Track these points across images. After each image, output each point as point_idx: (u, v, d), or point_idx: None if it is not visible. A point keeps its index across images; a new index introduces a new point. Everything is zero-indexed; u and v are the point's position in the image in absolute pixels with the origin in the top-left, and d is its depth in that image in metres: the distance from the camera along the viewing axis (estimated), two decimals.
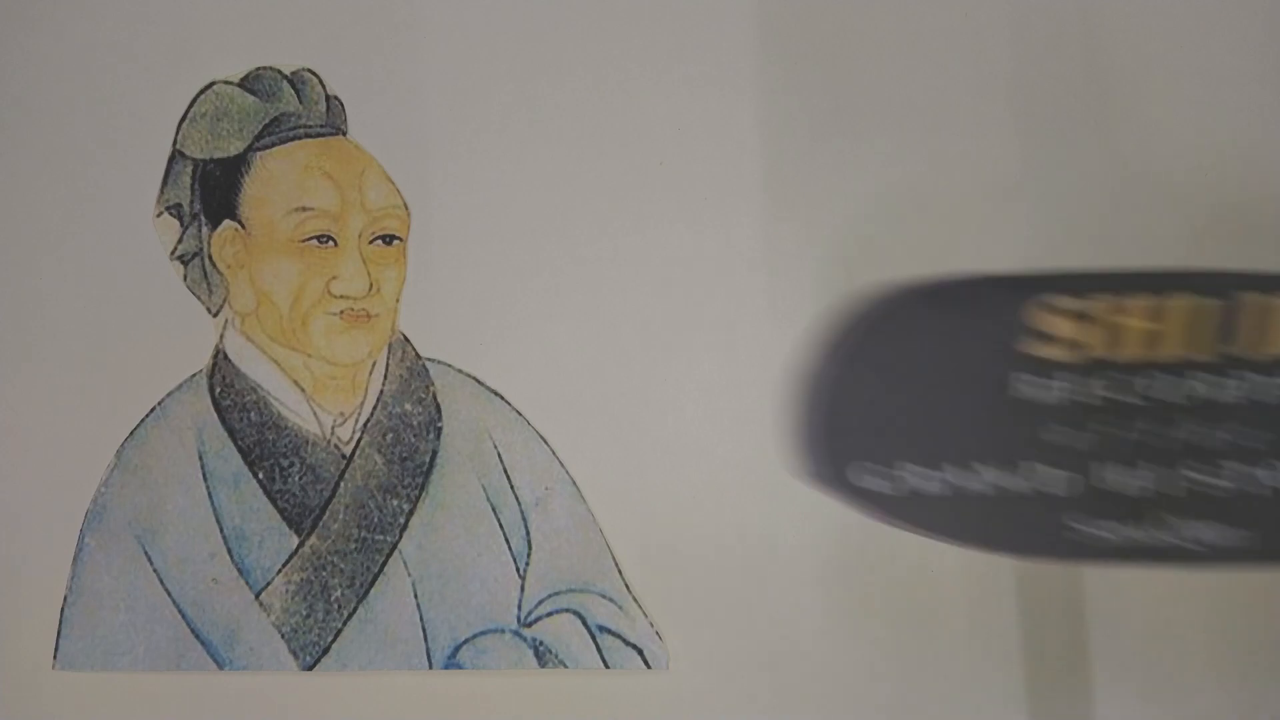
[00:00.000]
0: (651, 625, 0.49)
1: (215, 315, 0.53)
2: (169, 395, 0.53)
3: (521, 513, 0.50)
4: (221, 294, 0.53)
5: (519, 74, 0.50)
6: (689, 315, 0.48)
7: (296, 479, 0.52)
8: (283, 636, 0.51)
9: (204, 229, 0.53)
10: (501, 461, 0.50)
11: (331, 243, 0.51)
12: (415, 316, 0.51)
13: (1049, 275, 0.36)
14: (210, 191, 0.53)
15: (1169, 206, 0.45)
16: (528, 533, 0.50)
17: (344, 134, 0.52)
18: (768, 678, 0.48)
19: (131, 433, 0.53)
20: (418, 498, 0.51)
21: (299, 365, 0.52)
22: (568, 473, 0.50)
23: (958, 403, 0.36)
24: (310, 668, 0.51)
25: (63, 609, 0.53)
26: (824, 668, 0.47)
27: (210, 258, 0.53)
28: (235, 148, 0.53)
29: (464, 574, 0.50)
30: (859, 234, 0.47)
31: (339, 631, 0.51)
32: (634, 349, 0.49)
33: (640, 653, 0.49)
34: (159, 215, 0.54)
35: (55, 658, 0.53)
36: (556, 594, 0.49)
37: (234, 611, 0.52)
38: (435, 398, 0.51)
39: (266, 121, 0.52)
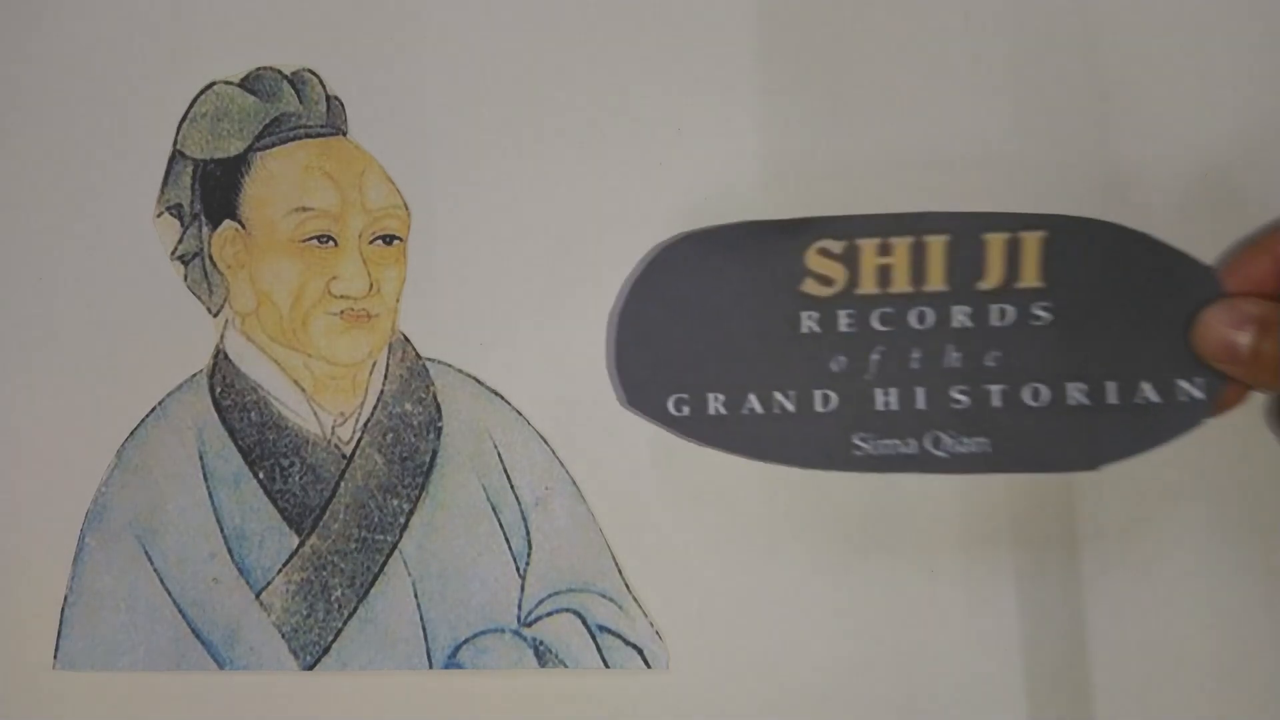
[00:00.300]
0: (651, 625, 0.49)
1: (215, 315, 0.53)
2: (169, 395, 0.53)
3: (521, 513, 0.50)
4: (222, 294, 0.53)
5: (519, 74, 0.50)
6: None
7: (297, 479, 0.52)
8: (283, 636, 0.51)
9: (204, 229, 0.53)
10: (501, 461, 0.50)
11: (332, 243, 0.51)
12: (415, 316, 0.51)
13: (818, 220, 0.40)
14: (210, 191, 0.53)
15: (1169, 206, 0.45)
16: (528, 533, 0.50)
17: (344, 134, 0.52)
18: (768, 678, 0.48)
19: (132, 433, 0.53)
20: (418, 498, 0.51)
21: (299, 365, 0.52)
22: (568, 473, 0.50)
23: (755, 339, 0.41)
24: (310, 668, 0.51)
25: (63, 609, 0.53)
26: (824, 668, 0.47)
27: (210, 258, 0.53)
28: (235, 148, 0.53)
29: (464, 574, 0.50)
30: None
31: (339, 631, 0.51)
32: None
33: (640, 653, 0.49)
34: (159, 215, 0.54)
35: (55, 658, 0.53)
36: (556, 594, 0.49)
37: (234, 611, 0.52)
38: (435, 398, 0.51)
39: (267, 122, 0.52)
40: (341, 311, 0.52)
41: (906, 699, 0.47)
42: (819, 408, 0.40)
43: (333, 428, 0.52)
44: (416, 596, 0.50)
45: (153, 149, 0.54)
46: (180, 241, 0.53)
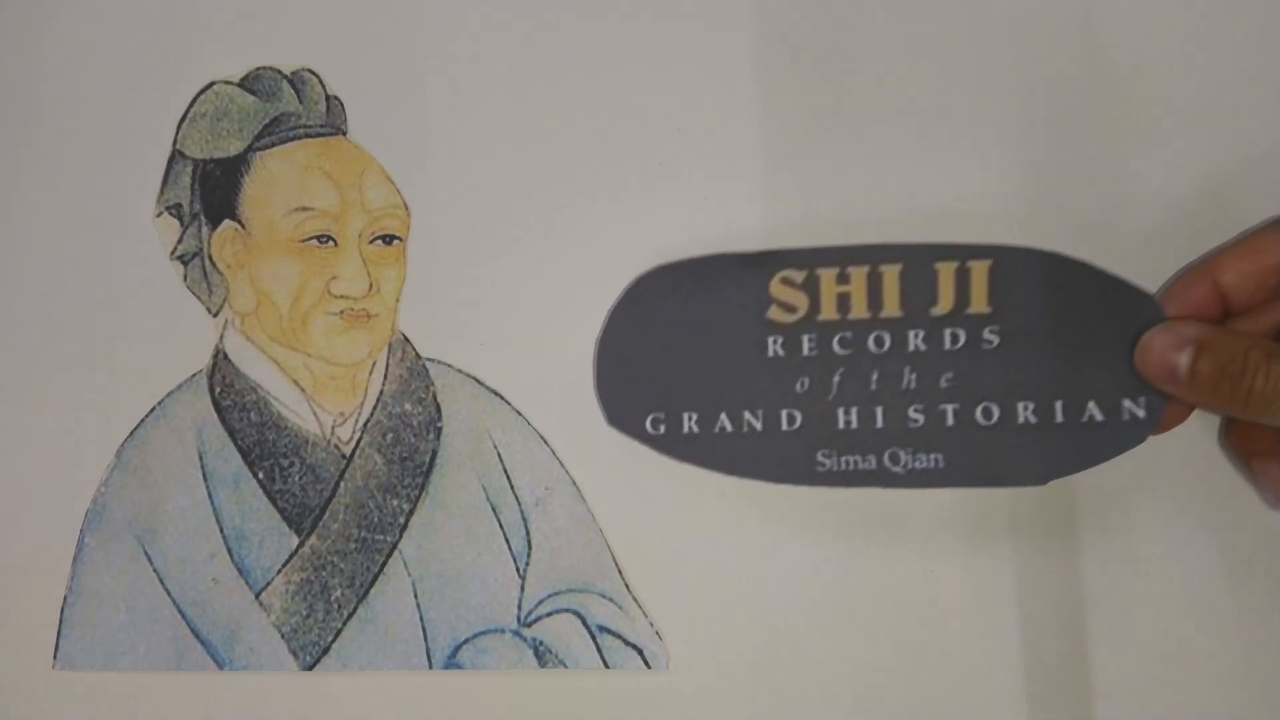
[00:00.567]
0: (651, 625, 0.49)
1: (215, 315, 0.53)
2: (169, 395, 0.53)
3: (521, 513, 0.50)
4: (221, 294, 0.53)
5: (519, 74, 0.50)
6: None
7: (296, 479, 0.52)
8: (283, 636, 0.51)
9: (204, 229, 0.53)
10: (501, 461, 0.50)
11: (331, 243, 0.51)
12: (415, 316, 0.51)
13: (781, 252, 0.43)
14: (210, 191, 0.53)
15: (1169, 207, 0.45)
16: (528, 533, 0.50)
17: (344, 134, 0.52)
18: (768, 678, 0.48)
19: (131, 433, 0.53)
20: (418, 498, 0.51)
21: (299, 365, 0.52)
22: (568, 473, 0.50)
23: (725, 362, 0.44)
24: (310, 668, 0.51)
25: (63, 609, 0.53)
26: (824, 668, 0.47)
27: (210, 258, 0.53)
28: (235, 148, 0.53)
29: (464, 574, 0.50)
30: (860, 235, 0.47)
31: (339, 631, 0.51)
32: None
33: (640, 653, 0.49)
34: (159, 215, 0.54)
35: (55, 658, 0.53)
36: (556, 594, 0.49)
37: (234, 611, 0.52)
38: (435, 398, 0.51)
39: (266, 121, 0.52)
40: (341, 311, 0.52)
41: (906, 698, 0.47)
42: (785, 426, 0.43)
43: (332, 428, 0.52)
44: (416, 597, 0.50)
45: (152, 149, 0.54)
46: (180, 241, 0.53)
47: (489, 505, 0.50)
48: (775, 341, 0.43)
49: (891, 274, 0.42)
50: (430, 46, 0.51)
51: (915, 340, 0.42)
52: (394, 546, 0.51)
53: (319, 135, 0.52)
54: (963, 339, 0.42)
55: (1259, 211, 0.43)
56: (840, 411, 0.43)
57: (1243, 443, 0.41)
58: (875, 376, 0.43)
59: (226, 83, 0.53)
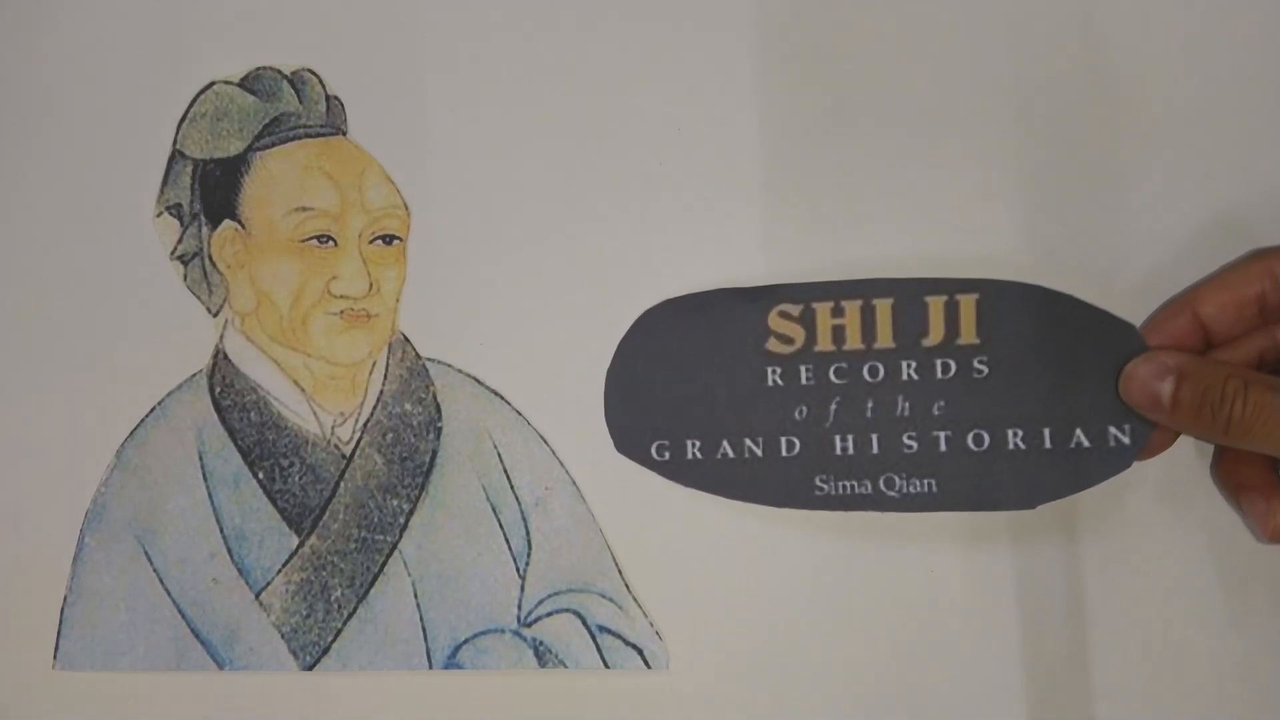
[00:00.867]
0: (651, 625, 0.49)
1: (215, 315, 0.53)
2: (169, 395, 0.53)
3: (521, 513, 0.50)
4: (221, 294, 0.53)
5: (519, 74, 0.50)
6: None
7: (296, 479, 0.52)
8: (283, 636, 0.51)
9: (204, 229, 0.53)
10: (501, 461, 0.50)
11: (331, 243, 0.51)
12: (415, 316, 0.51)
13: (778, 286, 0.45)
14: (210, 191, 0.53)
15: (1169, 208, 0.45)
16: (528, 533, 0.50)
17: (344, 134, 0.52)
18: (768, 678, 0.48)
19: (131, 433, 0.53)
20: (418, 498, 0.51)
21: (299, 365, 0.52)
22: (568, 473, 0.50)
23: (727, 392, 0.46)
24: (310, 668, 0.51)
25: (63, 609, 0.53)
26: (824, 668, 0.47)
27: (210, 258, 0.53)
28: (235, 148, 0.53)
29: (464, 574, 0.50)
30: (859, 234, 0.47)
31: (339, 631, 0.51)
32: None
33: (640, 653, 0.49)
34: (159, 215, 0.54)
35: (55, 658, 0.53)
36: (556, 594, 0.49)
37: (234, 611, 0.52)
38: (435, 398, 0.51)
39: (266, 121, 0.52)
40: (341, 311, 0.52)
41: (906, 698, 0.47)
42: (784, 453, 0.45)
43: (332, 428, 0.52)
44: (416, 597, 0.50)
45: (152, 149, 0.54)
46: (180, 241, 0.53)
47: (489, 505, 0.50)
48: (774, 372, 0.45)
49: (884, 307, 0.44)
50: (430, 46, 0.51)
51: (908, 370, 0.44)
52: (394, 546, 0.51)
53: (319, 135, 0.52)
54: (954, 369, 0.44)
55: (1260, 214, 0.43)
56: (837, 438, 0.45)
57: (1231, 477, 0.42)
58: (870, 405, 0.44)
59: (226, 83, 0.53)
